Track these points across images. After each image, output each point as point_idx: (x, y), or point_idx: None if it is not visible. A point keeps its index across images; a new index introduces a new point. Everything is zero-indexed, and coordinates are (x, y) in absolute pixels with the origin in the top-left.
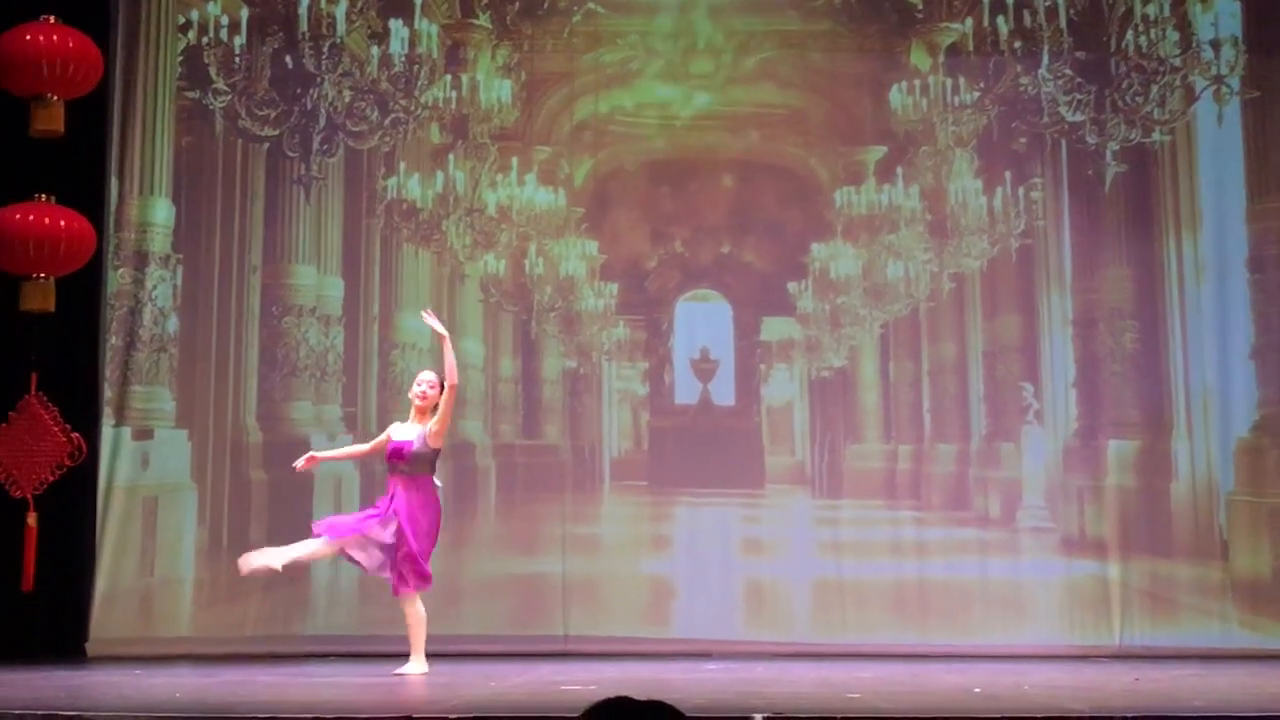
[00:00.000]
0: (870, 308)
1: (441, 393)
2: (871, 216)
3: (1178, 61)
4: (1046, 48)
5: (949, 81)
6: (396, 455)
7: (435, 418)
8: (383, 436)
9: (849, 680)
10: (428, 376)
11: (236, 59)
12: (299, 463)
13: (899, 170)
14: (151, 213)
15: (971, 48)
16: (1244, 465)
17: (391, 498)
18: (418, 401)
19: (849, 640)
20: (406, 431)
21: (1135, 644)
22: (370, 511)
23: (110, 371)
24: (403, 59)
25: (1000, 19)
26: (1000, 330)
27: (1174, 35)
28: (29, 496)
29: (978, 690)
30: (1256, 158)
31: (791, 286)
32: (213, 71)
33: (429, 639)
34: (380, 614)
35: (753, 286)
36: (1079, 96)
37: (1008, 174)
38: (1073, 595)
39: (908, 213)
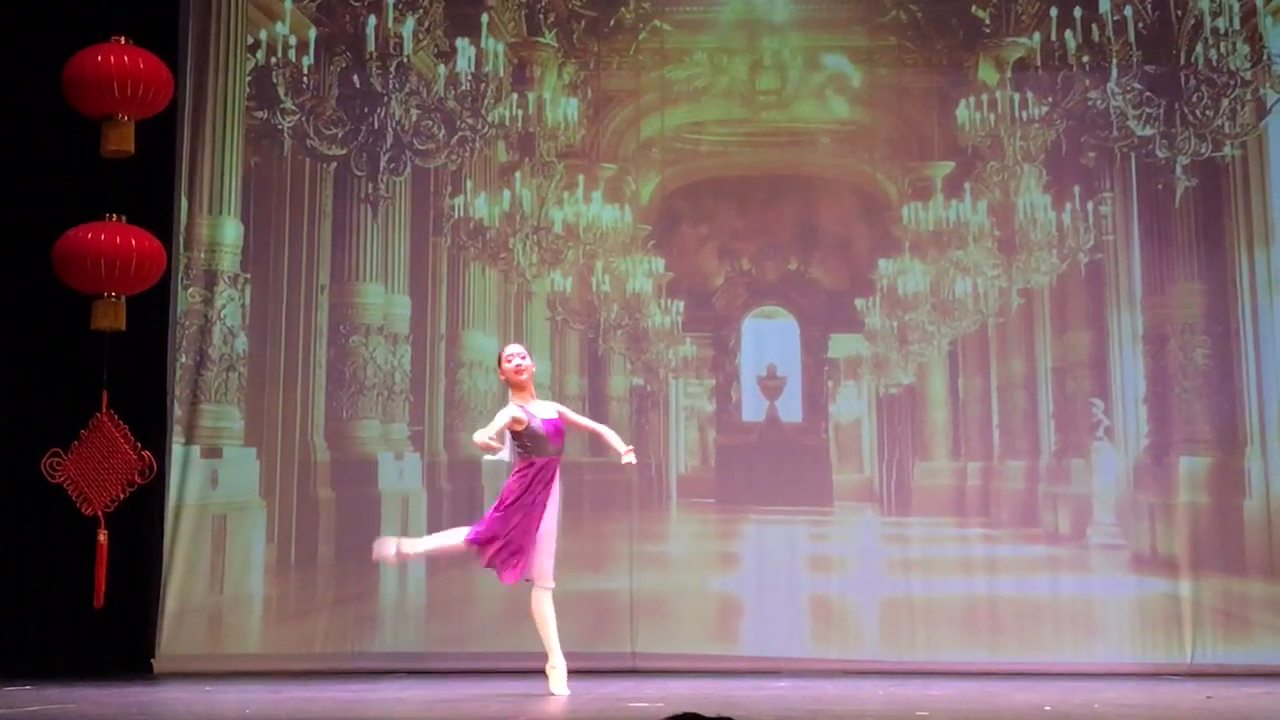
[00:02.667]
0: (938, 324)
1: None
2: (939, 232)
3: (1248, 75)
4: (1115, 62)
5: (1016, 96)
6: (560, 436)
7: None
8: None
9: (918, 698)
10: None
11: (304, 79)
12: None
13: (967, 186)
14: (220, 232)
15: (1039, 62)
16: None
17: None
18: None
19: (918, 658)
20: (546, 410)
21: (1207, 662)
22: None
23: (180, 390)
24: (469, 78)
25: (1068, 33)
26: (1070, 346)
27: (1244, 49)
28: (100, 514)
29: (1048, 708)
30: None
31: (859, 303)
32: (281, 91)
33: (495, 656)
34: (448, 631)
35: (820, 303)
36: (1148, 110)
37: (1077, 189)
38: (1144, 613)
39: (976, 228)
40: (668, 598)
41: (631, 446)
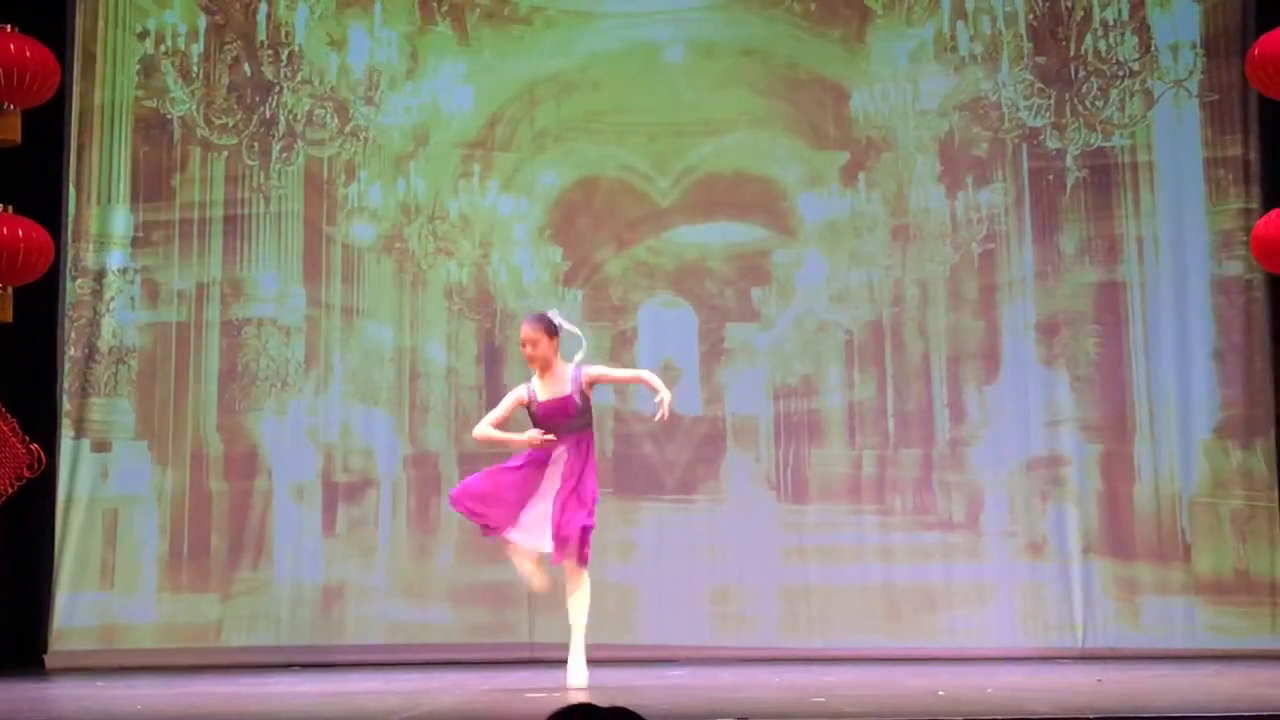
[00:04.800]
0: (834, 314)
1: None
2: (834, 223)
3: (1136, 65)
4: (1006, 53)
5: (910, 87)
6: (558, 416)
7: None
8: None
9: (814, 684)
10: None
11: (195, 67)
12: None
13: (861, 176)
14: (110, 223)
15: (932, 54)
16: (1206, 467)
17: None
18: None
19: (814, 644)
20: (559, 387)
21: (1098, 645)
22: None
23: (69, 383)
24: (363, 67)
25: (960, 25)
26: (963, 336)
27: (1133, 39)
28: None
29: (942, 693)
30: (1215, 160)
31: (756, 293)
32: (171, 80)
33: (394, 648)
34: (345, 623)
35: (717, 293)
36: (1039, 101)
37: (969, 179)
38: (1036, 598)
39: (870, 219)
40: (565, 587)
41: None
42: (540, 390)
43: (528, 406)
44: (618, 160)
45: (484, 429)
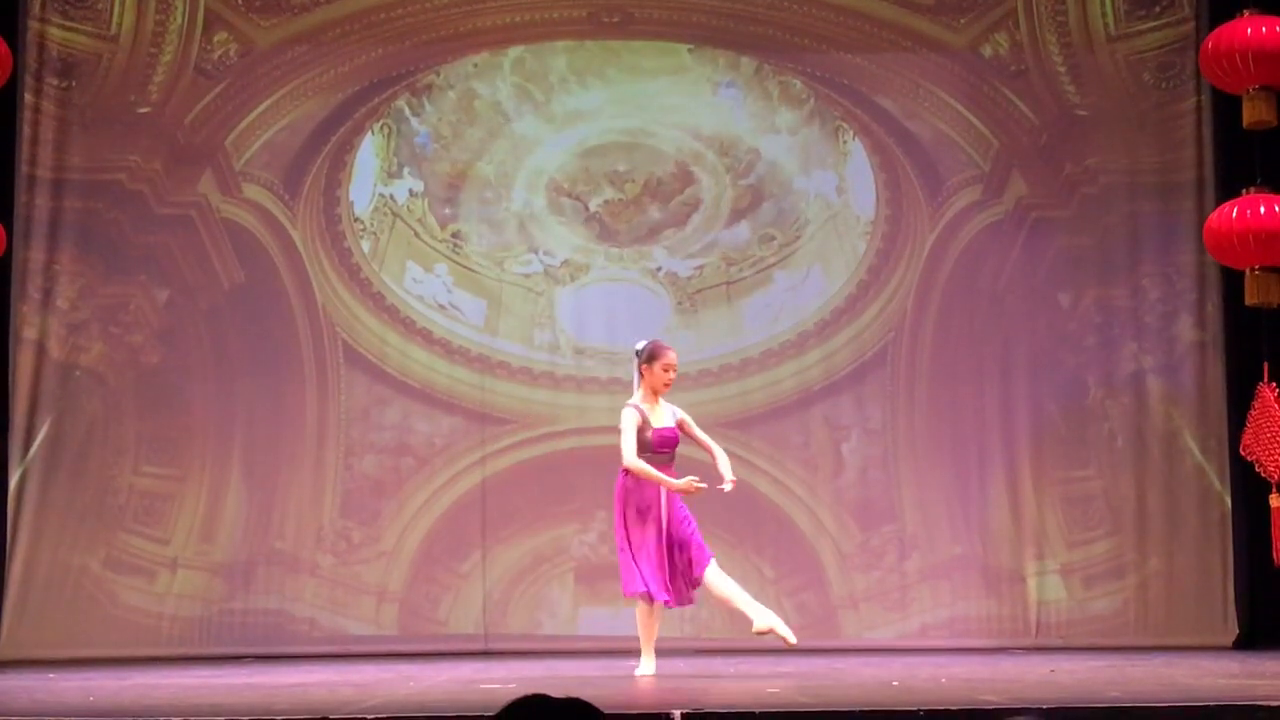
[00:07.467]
0: None
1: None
2: None
3: None
4: None
5: None
6: (669, 445)
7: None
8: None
9: (769, 675)
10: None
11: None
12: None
13: None
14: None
15: None
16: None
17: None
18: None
19: (768, 637)
20: (665, 416)
21: (1052, 637)
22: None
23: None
24: None
25: None
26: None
27: None
28: None
29: (895, 683)
30: None
31: None
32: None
33: (347, 639)
34: (297, 615)
35: None
36: None
37: None
38: (990, 589)
39: None
40: (520, 579)
41: (734, 480)
42: (652, 416)
43: (640, 430)
44: None
45: (639, 461)
